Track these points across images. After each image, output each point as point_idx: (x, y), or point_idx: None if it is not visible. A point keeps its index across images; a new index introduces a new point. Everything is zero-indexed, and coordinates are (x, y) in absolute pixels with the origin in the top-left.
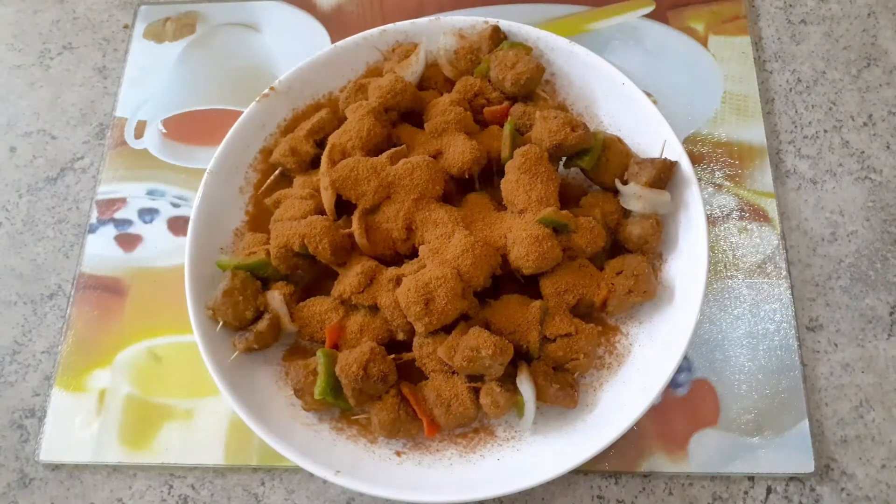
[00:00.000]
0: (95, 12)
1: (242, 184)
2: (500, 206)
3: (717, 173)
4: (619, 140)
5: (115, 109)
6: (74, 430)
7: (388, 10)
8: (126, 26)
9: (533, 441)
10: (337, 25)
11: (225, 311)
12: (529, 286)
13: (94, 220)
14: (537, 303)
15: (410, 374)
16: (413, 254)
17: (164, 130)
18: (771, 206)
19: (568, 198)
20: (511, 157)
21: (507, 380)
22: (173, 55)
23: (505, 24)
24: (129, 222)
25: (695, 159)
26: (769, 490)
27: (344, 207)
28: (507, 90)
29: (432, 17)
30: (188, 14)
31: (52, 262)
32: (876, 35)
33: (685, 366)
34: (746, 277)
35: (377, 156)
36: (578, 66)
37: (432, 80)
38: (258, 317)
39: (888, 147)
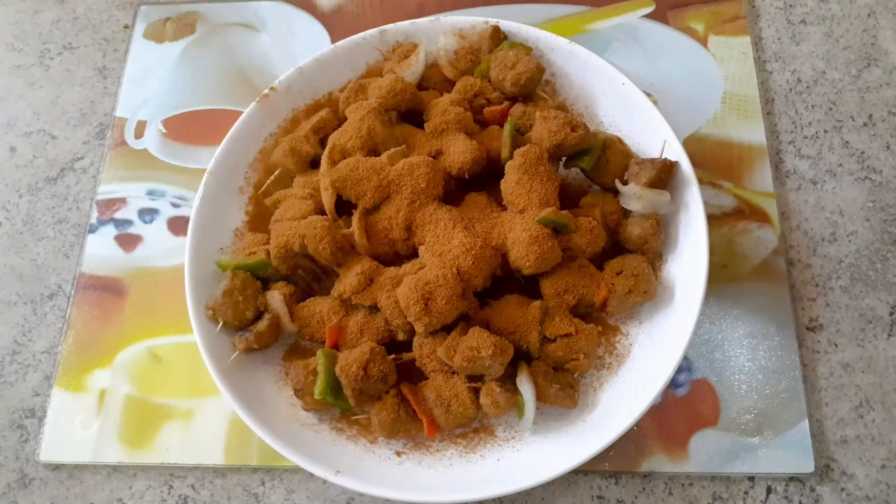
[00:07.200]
0: (95, 12)
1: (242, 184)
2: (500, 206)
3: (717, 173)
4: (619, 140)
5: (115, 109)
6: (74, 430)
7: (388, 10)
8: (126, 26)
9: (533, 441)
10: (337, 25)
11: (225, 311)
12: (529, 286)
13: (94, 220)
14: (537, 303)
15: (410, 374)
16: (413, 254)
17: (164, 130)
18: (771, 206)
19: (568, 198)
20: (511, 157)
21: (507, 380)
22: (173, 55)
23: (505, 24)
24: (129, 222)
25: (695, 159)
26: (769, 490)
27: (344, 207)
28: (507, 90)
29: (432, 18)
30: (188, 14)
31: (52, 262)
32: (876, 35)
33: (685, 366)
34: (746, 277)
35: (377, 156)
36: (578, 66)
37: (432, 80)
38: (258, 317)
39: (888, 147)
